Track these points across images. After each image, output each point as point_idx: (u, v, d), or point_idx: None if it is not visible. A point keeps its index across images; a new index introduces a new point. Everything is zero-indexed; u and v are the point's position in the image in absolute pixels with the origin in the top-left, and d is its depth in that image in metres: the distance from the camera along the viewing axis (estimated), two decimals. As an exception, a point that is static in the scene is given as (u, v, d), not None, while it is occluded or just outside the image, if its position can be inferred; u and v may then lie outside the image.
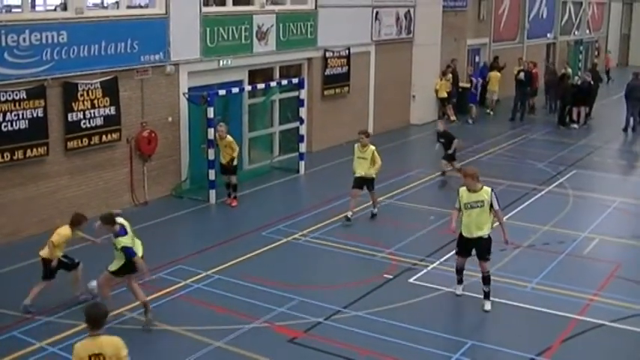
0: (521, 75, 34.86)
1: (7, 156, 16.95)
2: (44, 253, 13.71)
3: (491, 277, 14.20)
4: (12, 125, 16.92)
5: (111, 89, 19.02)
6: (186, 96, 21.07)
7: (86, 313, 8.92)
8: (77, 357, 8.74)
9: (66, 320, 13.27)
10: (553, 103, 37.07)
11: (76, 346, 8.83)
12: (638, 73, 33.79)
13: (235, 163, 20.24)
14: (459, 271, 14.75)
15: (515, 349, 12.64)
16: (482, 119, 34.24)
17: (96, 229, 13.71)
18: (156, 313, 13.50)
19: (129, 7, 20.47)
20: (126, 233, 13.05)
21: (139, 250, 13.25)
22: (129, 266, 13.07)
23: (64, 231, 13.75)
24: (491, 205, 13.89)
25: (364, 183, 19.18)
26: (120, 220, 13.16)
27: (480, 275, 14.22)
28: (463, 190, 14.15)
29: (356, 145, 19.29)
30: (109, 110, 19.06)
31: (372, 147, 19.08)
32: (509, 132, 31.81)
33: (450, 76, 33.66)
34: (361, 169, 19.05)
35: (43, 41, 17.32)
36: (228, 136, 20.15)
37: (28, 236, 17.33)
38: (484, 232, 14.03)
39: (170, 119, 20.97)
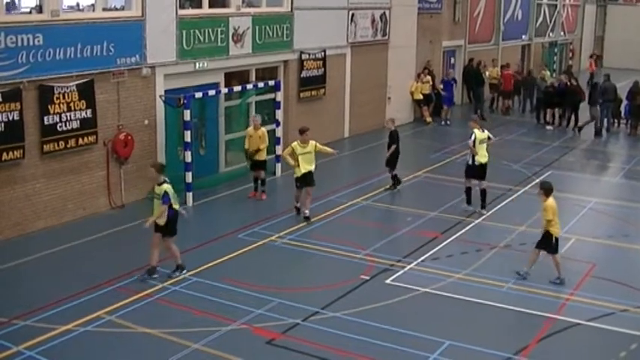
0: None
1: (-18, 159, 16.87)
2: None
3: (469, 278, 14.25)
4: (-13, 128, 16.86)
5: (87, 92, 18.93)
6: (163, 99, 21.02)
7: None
8: None
9: (42, 324, 13.20)
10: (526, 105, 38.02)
11: None
12: (610, 74, 34.08)
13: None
14: None
15: (493, 348, 12.73)
16: (459, 120, 34.35)
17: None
18: (134, 316, 13.52)
19: (105, 9, 20.36)
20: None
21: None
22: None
23: None
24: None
25: None
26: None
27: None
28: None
29: None
30: (86, 113, 18.97)
31: None
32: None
33: (429, 77, 33.82)
34: None
35: (19, 44, 17.21)
36: (262, 128, 21.33)
37: (2, 240, 17.26)
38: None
39: (146, 122, 20.89)
